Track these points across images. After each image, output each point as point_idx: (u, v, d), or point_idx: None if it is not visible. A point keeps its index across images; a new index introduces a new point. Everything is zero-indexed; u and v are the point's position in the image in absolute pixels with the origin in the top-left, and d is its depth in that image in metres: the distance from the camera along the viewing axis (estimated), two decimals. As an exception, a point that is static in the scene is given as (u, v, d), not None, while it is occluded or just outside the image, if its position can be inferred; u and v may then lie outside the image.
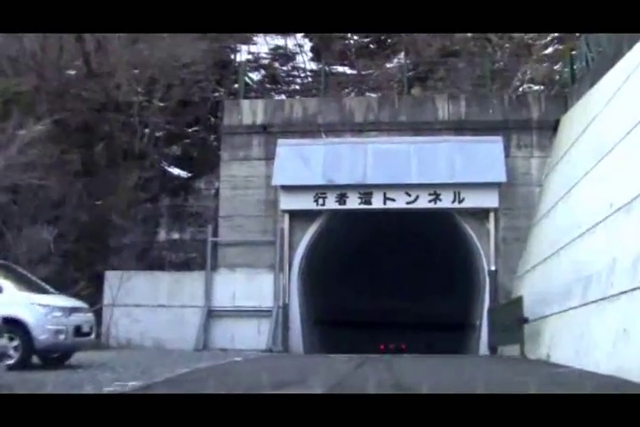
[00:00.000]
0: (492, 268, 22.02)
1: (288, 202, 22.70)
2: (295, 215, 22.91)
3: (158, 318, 22.43)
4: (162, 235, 23.66)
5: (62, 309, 14.69)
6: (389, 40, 31.73)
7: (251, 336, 21.98)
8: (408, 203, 22.31)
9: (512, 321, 17.26)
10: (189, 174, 24.76)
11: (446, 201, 22.19)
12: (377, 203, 22.38)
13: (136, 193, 24.61)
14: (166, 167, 25.99)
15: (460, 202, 22.16)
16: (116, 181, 24.70)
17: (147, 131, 25.95)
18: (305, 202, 22.53)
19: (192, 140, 27.07)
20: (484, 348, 21.49)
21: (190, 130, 27.51)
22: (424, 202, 22.24)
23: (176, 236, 23.66)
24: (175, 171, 25.98)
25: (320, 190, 22.46)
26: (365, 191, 22.40)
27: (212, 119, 27.38)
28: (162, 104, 26.72)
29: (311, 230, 22.96)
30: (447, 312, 26.64)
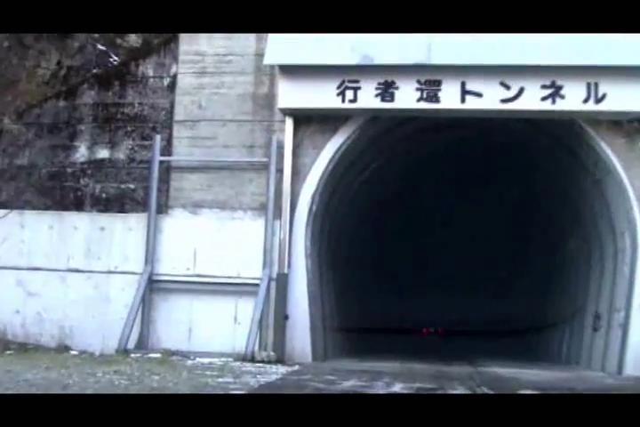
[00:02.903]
0: (653, 220, 12.43)
1: (292, 96, 12.99)
2: (305, 120, 13.20)
3: (68, 291, 13.44)
4: (81, 151, 14.00)
5: None
6: None
7: (221, 329, 12.82)
8: (504, 101, 12.59)
9: None
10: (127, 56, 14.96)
11: (573, 99, 12.48)
12: (449, 99, 12.64)
13: (52, 88, 15.34)
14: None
15: (598, 101, 12.44)
16: (23, 69, 15.75)
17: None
18: (322, 96, 12.81)
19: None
20: (633, 358, 12.13)
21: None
22: (533, 100, 12.54)
23: (104, 153, 13.96)
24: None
25: (349, 76, 12.75)
26: (429, 79, 12.66)
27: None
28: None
29: (332, 147, 13.23)
30: (548, 292, 17.28)
